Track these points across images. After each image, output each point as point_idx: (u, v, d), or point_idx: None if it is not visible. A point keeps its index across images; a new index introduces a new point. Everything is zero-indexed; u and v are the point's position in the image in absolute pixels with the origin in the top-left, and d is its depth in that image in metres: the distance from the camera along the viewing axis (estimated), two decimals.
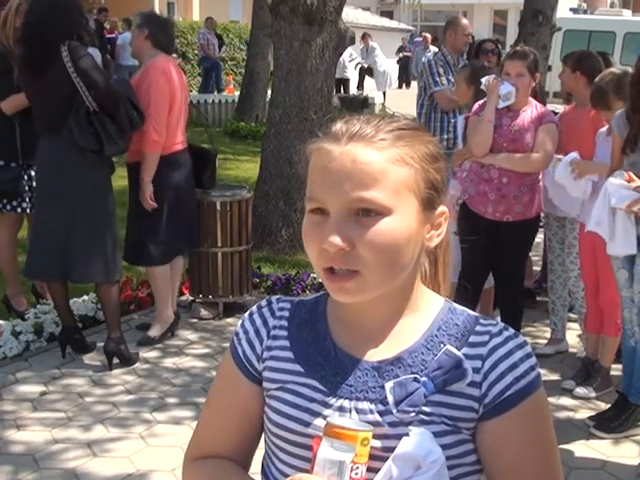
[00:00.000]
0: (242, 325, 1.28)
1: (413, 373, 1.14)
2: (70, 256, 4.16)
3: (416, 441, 1.08)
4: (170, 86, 4.43)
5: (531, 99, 4.34)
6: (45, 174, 4.18)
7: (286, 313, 1.26)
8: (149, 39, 4.48)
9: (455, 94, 5.15)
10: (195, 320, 5.12)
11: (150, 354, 4.57)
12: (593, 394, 4.08)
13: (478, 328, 1.18)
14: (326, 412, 1.15)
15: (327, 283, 1.13)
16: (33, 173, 4.69)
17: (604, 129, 4.04)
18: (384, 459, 1.09)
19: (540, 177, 4.40)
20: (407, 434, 1.10)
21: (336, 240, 1.08)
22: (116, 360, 4.32)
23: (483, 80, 4.46)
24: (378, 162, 1.09)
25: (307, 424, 1.15)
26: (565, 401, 4.08)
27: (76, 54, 3.99)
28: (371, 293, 1.13)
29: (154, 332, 4.70)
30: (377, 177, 1.09)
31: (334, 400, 1.16)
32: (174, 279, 4.83)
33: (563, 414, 3.93)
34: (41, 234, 4.20)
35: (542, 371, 3.86)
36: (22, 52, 4.06)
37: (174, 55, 18.28)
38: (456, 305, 1.23)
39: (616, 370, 4.25)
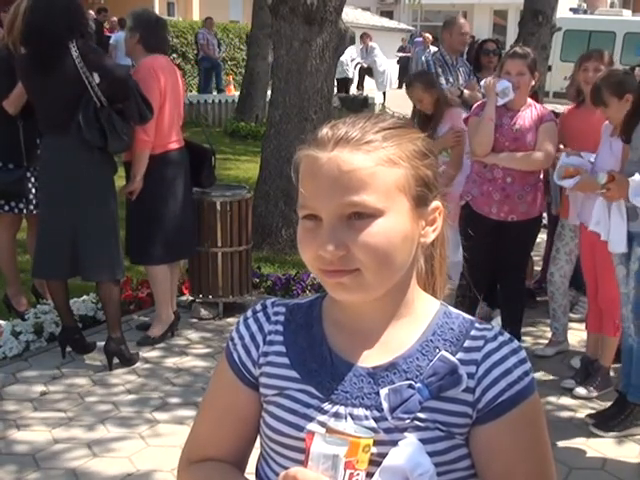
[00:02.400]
0: (237, 330, 1.28)
1: (408, 379, 1.14)
2: (77, 255, 4.16)
3: (404, 453, 1.08)
4: (159, 85, 4.42)
5: (530, 100, 4.35)
6: (50, 173, 4.18)
7: (281, 318, 1.26)
8: (140, 43, 4.48)
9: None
10: (195, 320, 5.12)
11: (151, 354, 4.58)
12: (593, 394, 4.08)
13: (473, 332, 1.18)
14: (322, 418, 1.15)
15: (325, 279, 1.13)
16: (29, 174, 4.69)
17: (609, 124, 4.03)
18: (379, 464, 1.09)
19: (542, 177, 4.40)
20: (402, 440, 1.11)
21: (330, 248, 1.08)
22: (116, 360, 4.33)
23: (482, 82, 4.48)
24: (366, 165, 1.09)
25: (303, 430, 1.15)
26: (565, 401, 4.08)
27: (85, 50, 4.01)
28: (369, 291, 1.13)
29: (154, 332, 4.70)
30: (366, 180, 1.09)
31: (330, 406, 1.16)
32: (173, 279, 4.84)
33: (563, 414, 3.93)
34: (47, 234, 4.21)
35: (542, 371, 3.87)
36: (27, 52, 4.05)
37: (174, 55, 18.12)
38: (451, 308, 1.23)
39: (616, 370, 4.26)
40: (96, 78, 4.04)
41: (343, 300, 1.16)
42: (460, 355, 1.15)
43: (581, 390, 4.09)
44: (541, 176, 4.39)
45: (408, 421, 1.11)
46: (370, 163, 1.09)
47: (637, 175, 3.44)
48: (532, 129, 4.26)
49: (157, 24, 4.63)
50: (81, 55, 3.98)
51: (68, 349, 4.45)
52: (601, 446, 3.65)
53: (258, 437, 1.27)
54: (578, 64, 4.57)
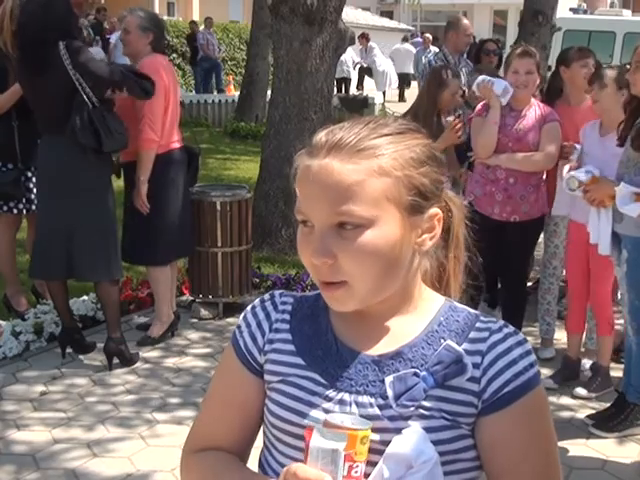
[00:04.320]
0: (244, 318, 1.29)
1: (413, 367, 1.15)
2: (74, 255, 4.16)
3: (408, 441, 1.09)
4: (164, 83, 4.43)
5: (533, 99, 4.34)
6: (48, 174, 4.18)
7: (289, 307, 1.27)
8: (152, 44, 4.48)
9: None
10: (195, 320, 5.12)
11: (151, 354, 4.58)
12: (593, 394, 4.07)
13: (478, 324, 1.18)
14: (326, 405, 1.15)
15: (322, 292, 1.16)
16: (29, 174, 4.69)
17: (592, 125, 4.04)
18: (383, 452, 1.10)
19: (544, 177, 4.38)
20: (405, 428, 1.11)
21: (318, 256, 1.10)
22: (116, 360, 4.32)
23: (474, 85, 4.43)
24: (355, 175, 1.09)
25: (307, 417, 1.16)
26: (565, 401, 4.08)
27: (73, 50, 4.00)
28: (362, 301, 1.14)
29: (154, 332, 4.70)
30: (354, 190, 1.09)
31: (335, 393, 1.16)
32: (173, 278, 4.84)
33: (563, 414, 3.93)
34: (45, 234, 4.20)
35: (543, 371, 3.84)
36: (19, 54, 4.05)
37: (174, 55, 18.05)
38: (457, 303, 1.24)
39: (617, 370, 4.26)
40: None
41: (338, 310, 1.18)
42: (465, 346, 1.16)
43: (581, 390, 4.08)
44: (544, 177, 4.38)
45: (412, 409, 1.12)
46: (360, 174, 1.09)
47: (622, 184, 3.46)
48: (535, 129, 4.24)
49: (164, 27, 4.68)
50: (70, 57, 3.97)
51: (68, 349, 4.44)
52: (601, 446, 3.65)
53: (260, 431, 1.27)
54: (567, 61, 4.54)
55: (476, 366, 1.14)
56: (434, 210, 1.17)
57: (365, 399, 1.15)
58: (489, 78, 4.29)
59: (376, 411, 1.13)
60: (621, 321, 4.89)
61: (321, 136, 1.14)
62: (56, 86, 4.02)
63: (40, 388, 4.10)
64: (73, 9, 4.25)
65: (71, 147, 4.05)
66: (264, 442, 1.26)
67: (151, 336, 4.69)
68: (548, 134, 4.24)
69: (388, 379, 1.14)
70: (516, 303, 4.53)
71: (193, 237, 4.91)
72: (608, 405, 3.90)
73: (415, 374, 1.13)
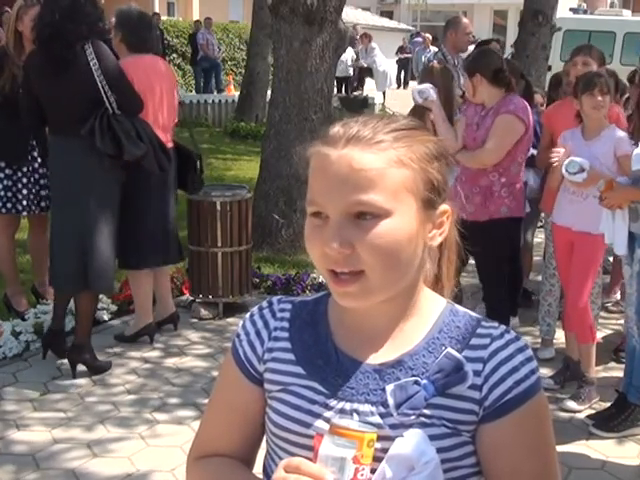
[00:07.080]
0: (243, 326, 1.28)
1: (414, 376, 1.14)
2: (88, 266, 4.05)
3: (409, 442, 1.09)
4: (137, 85, 4.25)
5: (503, 94, 4.19)
6: (60, 177, 4.09)
7: (287, 314, 1.26)
8: (123, 42, 4.43)
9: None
10: (195, 320, 5.12)
11: (151, 354, 4.58)
12: (582, 407, 3.97)
13: (480, 330, 1.18)
14: (327, 414, 1.15)
15: (332, 287, 1.13)
16: (20, 174, 4.68)
17: (572, 129, 4.04)
18: None
19: (500, 182, 4.18)
20: (406, 431, 1.11)
21: (335, 245, 1.08)
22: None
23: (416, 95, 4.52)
24: (375, 165, 1.09)
25: (308, 426, 1.16)
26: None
27: (101, 54, 3.96)
28: (376, 296, 1.13)
29: (129, 330, 4.67)
30: (375, 180, 1.09)
31: (335, 402, 1.16)
32: (162, 281, 4.76)
33: (563, 414, 3.93)
34: (61, 243, 4.08)
35: (543, 371, 3.84)
36: (41, 52, 3.95)
37: (174, 55, 17.86)
38: (458, 307, 1.23)
39: (617, 370, 4.25)
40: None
41: (349, 307, 1.16)
42: (466, 352, 1.15)
43: (571, 404, 3.99)
44: (502, 180, 4.16)
45: (413, 417, 1.12)
46: (380, 163, 1.10)
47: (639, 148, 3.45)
48: (488, 125, 4.14)
49: (138, 22, 4.50)
50: (98, 60, 3.93)
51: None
52: (601, 446, 3.65)
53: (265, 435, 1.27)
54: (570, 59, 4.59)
55: (477, 373, 1.14)
56: (445, 207, 1.18)
57: (366, 407, 1.14)
58: (419, 89, 4.44)
59: (377, 419, 1.13)
60: (621, 321, 4.90)
61: (338, 128, 1.14)
62: (80, 87, 3.94)
63: (40, 388, 4.10)
64: (100, 12, 4.15)
65: (87, 151, 3.96)
66: (267, 449, 1.26)
67: (125, 334, 4.66)
68: (495, 127, 4.10)
69: (389, 388, 1.13)
70: (494, 301, 4.38)
71: (174, 244, 4.74)
72: (608, 405, 3.89)
73: (416, 382, 1.13)
